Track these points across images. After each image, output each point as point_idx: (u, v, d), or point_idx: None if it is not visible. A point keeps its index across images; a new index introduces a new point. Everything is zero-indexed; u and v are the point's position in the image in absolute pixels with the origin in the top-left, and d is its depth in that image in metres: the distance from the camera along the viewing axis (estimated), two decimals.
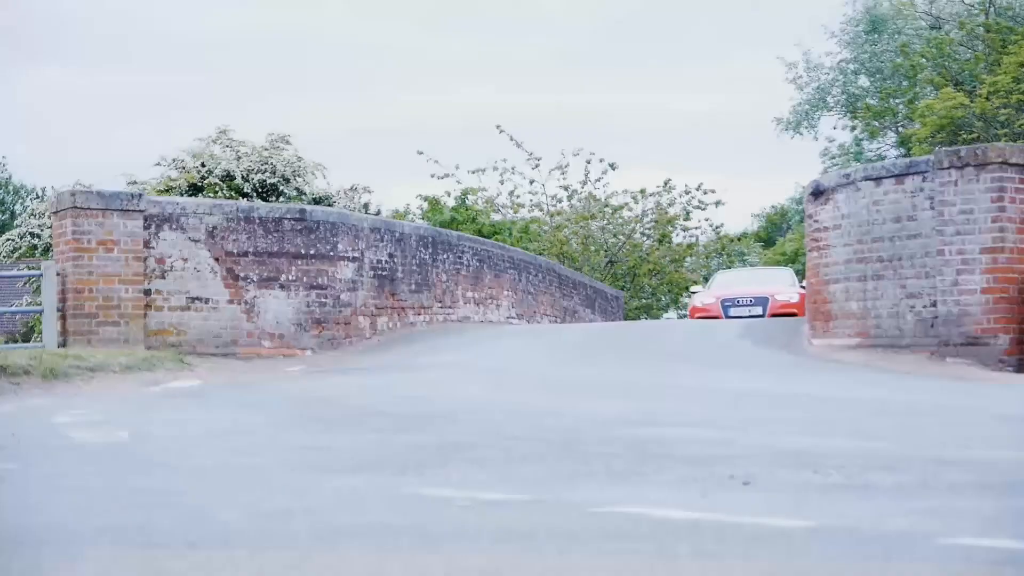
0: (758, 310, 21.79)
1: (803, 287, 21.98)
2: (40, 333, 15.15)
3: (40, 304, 14.07)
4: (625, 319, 29.89)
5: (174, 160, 20.86)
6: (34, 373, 9.65)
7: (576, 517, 3.30)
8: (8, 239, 22.47)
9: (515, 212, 34.32)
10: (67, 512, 3.51)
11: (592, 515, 3.32)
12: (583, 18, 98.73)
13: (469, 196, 33.40)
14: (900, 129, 35.58)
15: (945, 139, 26.46)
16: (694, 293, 24.35)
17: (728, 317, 21.38)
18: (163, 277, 13.72)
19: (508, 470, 4.33)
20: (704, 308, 22.38)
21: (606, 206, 33.98)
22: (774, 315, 21.02)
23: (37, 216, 22.48)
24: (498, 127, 32.91)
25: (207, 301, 13.94)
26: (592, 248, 33.64)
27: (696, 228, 35.21)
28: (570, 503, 3.53)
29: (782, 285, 23.21)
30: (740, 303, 22.09)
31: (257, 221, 14.28)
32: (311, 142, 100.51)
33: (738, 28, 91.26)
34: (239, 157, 20.69)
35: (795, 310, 21.28)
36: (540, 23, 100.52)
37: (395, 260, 16.22)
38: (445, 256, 18.00)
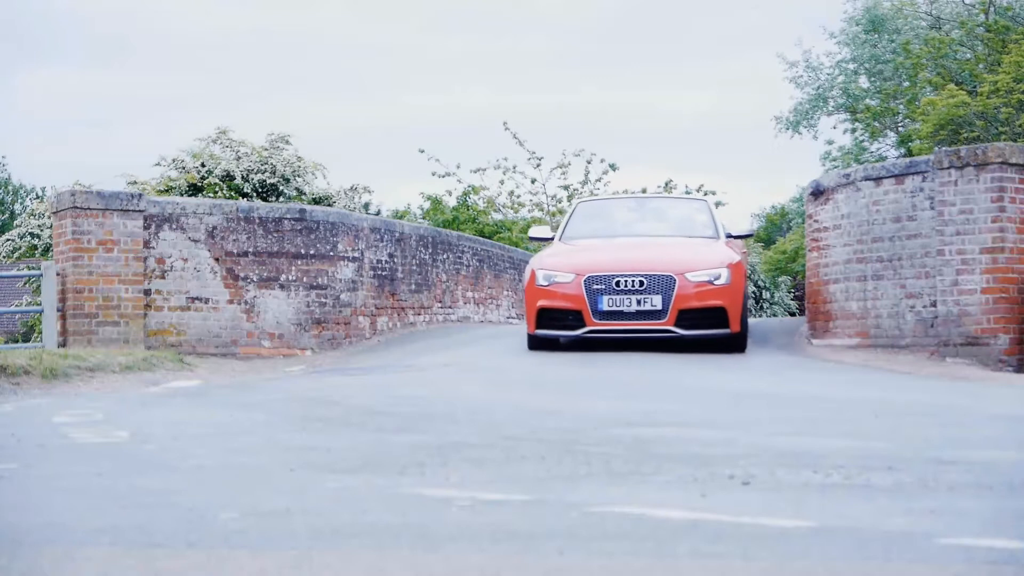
0: (655, 302, 11.76)
1: (732, 235, 13.10)
2: (40, 333, 15.16)
3: (40, 304, 14.07)
4: None
5: (174, 160, 20.87)
6: (34, 373, 9.65)
7: (576, 517, 3.30)
8: (8, 239, 22.48)
9: (515, 212, 34.34)
10: (67, 512, 3.51)
11: (592, 515, 3.32)
12: (583, 18, 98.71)
13: (470, 196, 33.44)
14: (900, 129, 35.60)
15: (945, 138, 26.47)
16: (539, 245, 13.66)
17: (599, 314, 11.87)
18: (163, 277, 13.73)
19: (508, 470, 4.33)
20: (554, 293, 12.06)
21: None
22: (682, 312, 11.78)
23: (37, 216, 22.49)
24: (504, 124, 32.93)
25: (207, 301, 13.94)
26: None
27: None
28: (570, 503, 3.53)
29: (699, 246, 12.52)
30: (620, 287, 11.81)
31: (257, 221, 14.28)
32: (311, 142, 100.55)
33: (738, 28, 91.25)
34: (239, 157, 20.69)
35: (721, 304, 11.83)
36: (540, 23, 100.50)
37: (395, 260, 16.23)
38: (445, 256, 18.01)
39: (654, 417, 6.62)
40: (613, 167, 33.94)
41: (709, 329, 11.89)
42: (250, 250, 14.16)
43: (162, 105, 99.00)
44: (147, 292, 13.60)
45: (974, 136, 26.21)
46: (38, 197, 64.99)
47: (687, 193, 33.85)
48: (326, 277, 14.64)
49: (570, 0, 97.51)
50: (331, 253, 14.72)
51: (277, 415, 7.10)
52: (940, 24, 34.58)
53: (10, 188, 70.74)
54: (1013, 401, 8.20)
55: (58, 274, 13.35)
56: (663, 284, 11.83)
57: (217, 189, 20.15)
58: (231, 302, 14.04)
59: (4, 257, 22.49)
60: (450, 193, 33.83)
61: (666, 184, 34.22)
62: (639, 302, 11.81)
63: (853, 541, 2.93)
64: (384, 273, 15.92)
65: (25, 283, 23.51)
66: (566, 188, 34.11)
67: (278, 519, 3.28)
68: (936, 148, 13.81)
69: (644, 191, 33.79)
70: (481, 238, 21.78)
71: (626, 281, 11.85)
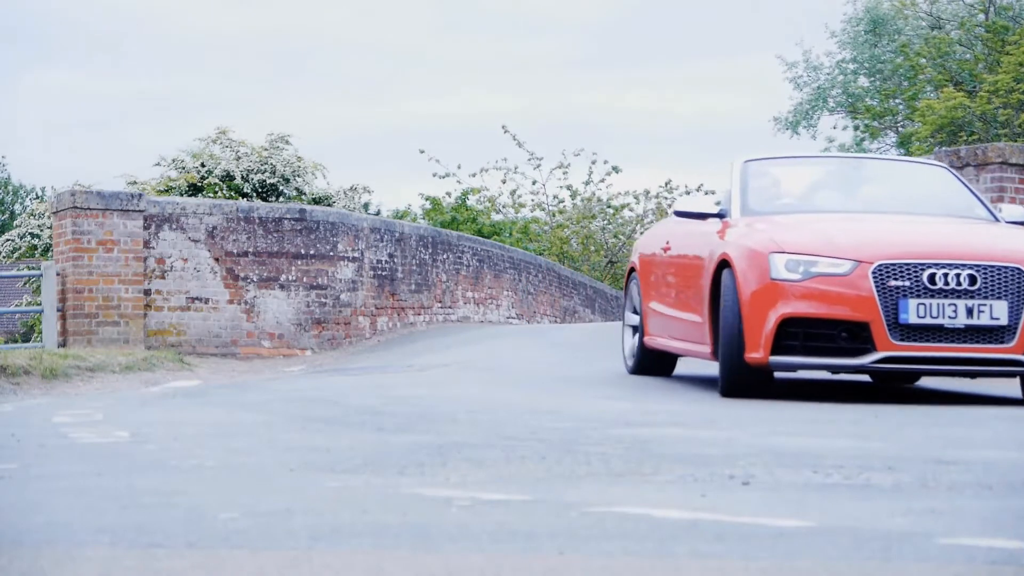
0: (997, 311, 7.26)
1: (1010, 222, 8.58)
2: (40, 333, 15.16)
3: (40, 304, 14.08)
4: None
5: (174, 160, 20.87)
6: (34, 373, 9.66)
7: (576, 517, 3.30)
8: (8, 239, 22.46)
9: (516, 212, 34.38)
10: (67, 512, 3.51)
11: (592, 515, 3.32)
12: (582, 19, 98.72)
13: (470, 196, 33.47)
14: (900, 129, 35.60)
15: (945, 139, 26.47)
16: (715, 218, 8.43)
17: (900, 331, 7.25)
18: (163, 277, 13.73)
19: (508, 470, 4.33)
20: (812, 292, 7.35)
21: (608, 206, 34.02)
22: None
23: (37, 216, 22.48)
24: (503, 127, 32.90)
25: (207, 301, 13.95)
26: (592, 248, 33.67)
27: None
28: (570, 503, 3.53)
29: (1004, 230, 8.18)
30: (936, 284, 7.27)
31: (257, 221, 14.29)
32: (311, 142, 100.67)
33: (739, 28, 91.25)
34: (239, 157, 20.69)
35: None
36: (540, 25, 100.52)
37: (395, 260, 16.23)
38: (445, 256, 18.01)
39: (654, 417, 6.62)
40: (616, 169, 33.90)
41: None
42: (250, 250, 14.16)
43: (162, 105, 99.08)
44: (147, 292, 13.59)
45: (974, 137, 26.22)
46: (38, 197, 64.99)
47: (691, 192, 33.27)
48: (326, 277, 14.64)
49: (570, 2, 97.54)
50: (331, 253, 14.72)
51: (277, 415, 7.10)
52: (941, 24, 34.58)
53: (10, 188, 70.76)
54: (1013, 401, 8.19)
55: (58, 274, 13.35)
56: (1009, 282, 7.29)
57: (217, 189, 20.14)
58: (231, 302, 14.04)
59: (4, 257, 22.48)
60: (449, 194, 33.88)
61: (667, 184, 34.12)
62: (969, 311, 7.24)
63: (853, 541, 2.93)
64: (384, 273, 15.92)
65: (25, 283, 23.49)
66: (569, 188, 34.11)
67: (278, 519, 3.28)
68: (936, 148, 13.81)
69: (646, 192, 33.74)
70: (481, 238, 21.78)
71: (948, 275, 7.27)
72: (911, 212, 8.44)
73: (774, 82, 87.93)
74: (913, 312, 7.22)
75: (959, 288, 7.26)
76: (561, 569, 2.65)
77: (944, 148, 12.06)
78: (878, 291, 7.24)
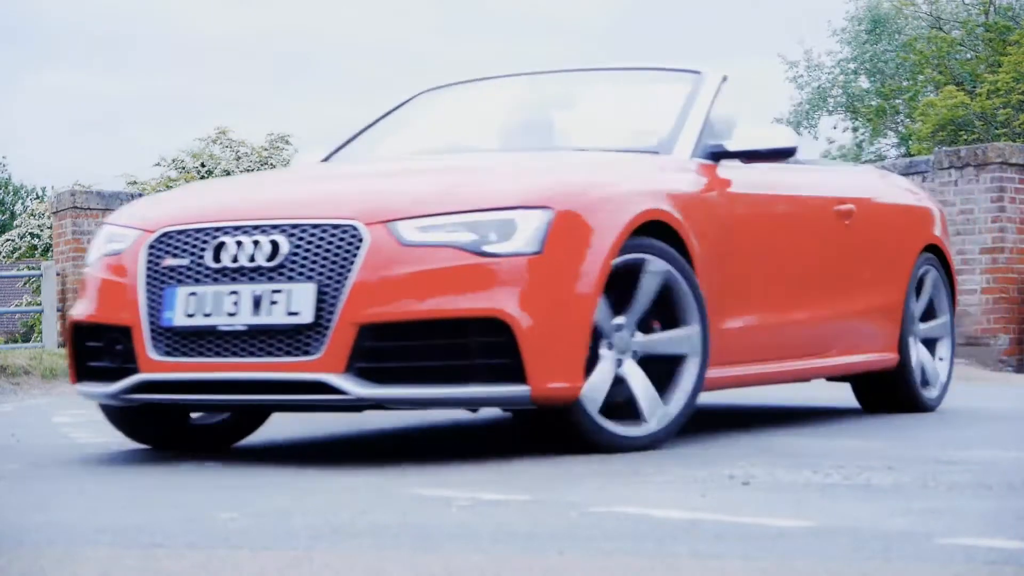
0: (297, 301, 4.31)
1: (733, 152, 5.72)
2: (40, 333, 15.16)
3: (40, 304, 14.08)
4: None
5: (174, 160, 20.90)
6: (34, 373, 9.66)
7: (576, 517, 3.30)
8: (8, 239, 22.49)
9: None
10: (67, 512, 3.51)
11: (592, 515, 3.32)
12: (582, 19, 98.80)
13: None
14: (900, 128, 35.62)
15: (945, 138, 26.48)
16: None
17: (165, 338, 4.50)
18: None
19: (508, 470, 4.33)
20: (94, 286, 4.86)
21: None
22: (368, 333, 4.27)
23: (37, 216, 22.50)
24: None
25: None
26: None
27: None
28: (570, 503, 3.53)
29: (564, 164, 5.16)
30: (220, 261, 4.48)
31: None
32: (311, 142, 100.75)
33: (739, 28, 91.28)
34: (239, 157, 20.71)
35: (496, 311, 4.32)
36: (540, 25, 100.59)
37: None
38: None
39: None
40: None
41: (452, 384, 4.46)
42: None
43: (162, 105, 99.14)
44: None
45: (974, 137, 26.24)
46: (38, 197, 65.01)
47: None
48: None
49: (570, 2, 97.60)
50: None
51: (276, 414, 7.10)
52: (940, 24, 34.60)
53: (10, 188, 70.77)
54: (1013, 401, 8.20)
55: (58, 274, 13.36)
56: (325, 252, 4.41)
57: None
58: None
59: (4, 257, 22.50)
60: None
61: None
62: (257, 303, 4.42)
63: (853, 541, 2.93)
64: None
65: (25, 283, 23.52)
66: None
67: (278, 519, 3.28)
68: (936, 148, 13.81)
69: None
70: None
71: (241, 246, 4.50)
72: (536, 148, 5.77)
73: (774, 82, 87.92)
74: (181, 308, 4.53)
75: (251, 265, 4.47)
76: (561, 569, 2.65)
77: (944, 148, 12.07)
78: (147, 276, 4.63)
